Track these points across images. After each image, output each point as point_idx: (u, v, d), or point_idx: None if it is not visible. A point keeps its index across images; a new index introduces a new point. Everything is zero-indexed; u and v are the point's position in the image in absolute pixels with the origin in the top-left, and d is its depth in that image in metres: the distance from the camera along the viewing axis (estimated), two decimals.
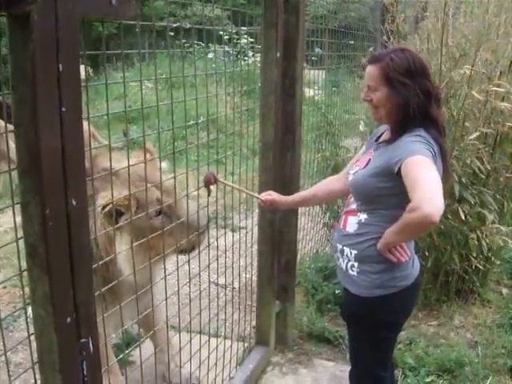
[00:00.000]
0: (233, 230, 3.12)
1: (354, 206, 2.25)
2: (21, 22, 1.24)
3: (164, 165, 2.64)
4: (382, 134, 2.32)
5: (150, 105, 2.46)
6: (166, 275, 2.32)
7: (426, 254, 3.71)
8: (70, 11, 1.33)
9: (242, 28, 2.86)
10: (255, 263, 3.31)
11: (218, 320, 3.19)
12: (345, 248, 2.24)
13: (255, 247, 3.26)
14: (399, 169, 2.00)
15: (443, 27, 3.57)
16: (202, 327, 2.66)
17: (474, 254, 3.74)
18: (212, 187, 2.59)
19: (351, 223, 2.23)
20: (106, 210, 2.14)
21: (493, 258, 4.05)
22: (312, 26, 5.04)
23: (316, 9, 5.54)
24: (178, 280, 2.30)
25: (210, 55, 9.17)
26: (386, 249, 2.09)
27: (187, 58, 9.67)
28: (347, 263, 2.23)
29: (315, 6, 6.58)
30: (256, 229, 3.20)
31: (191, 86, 2.29)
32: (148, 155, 2.39)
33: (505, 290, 4.35)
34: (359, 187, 2.20)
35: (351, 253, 2.21)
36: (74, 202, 1.44)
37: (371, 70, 2.17)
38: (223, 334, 3.10)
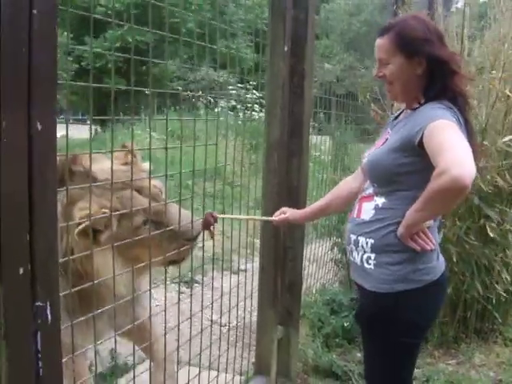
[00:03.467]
0: (232, 272, 2.85)
1: (369, 191, 1.96)
2: None
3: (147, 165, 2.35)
4: (400, 113, 2.07)
5: (155, 154, 2.18)
6: (166, 309, 2.05)
7: None
8: None
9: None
10: (255, 303, 2.97)
11: (209, 354, 2.78)
12: (359, 238, 1.94)
13: (256, 293, 2.95)
14: (421, 138, 1.74)
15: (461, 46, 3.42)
16: (199, 362, 2.34)
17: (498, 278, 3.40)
18: (214, 229, 2.29)
19: (366, 209, 1.94)
20: (80, 228, 1.80)
21: None
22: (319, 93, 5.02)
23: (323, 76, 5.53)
24: (165, 310, 2.00)
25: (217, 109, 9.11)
26: (408, 233, 1.79)
27: (195, 114, 9.62)
28: (362, 255, 1.93)
29: (323, 73, 6.54)
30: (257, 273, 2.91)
31: (197, 139, 2.12)
32: (129, 157, 2.11)
33: None
34: (375, 166, 1.93)
35: (367, 243, 1.90)
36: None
37: (381, 42, 1.94)
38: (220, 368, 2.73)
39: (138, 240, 1.91)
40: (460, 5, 5.41)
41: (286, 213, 2.41)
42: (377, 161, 1.92)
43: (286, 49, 2.74)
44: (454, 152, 1.63)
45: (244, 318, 2.89)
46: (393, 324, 1.88)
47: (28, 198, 1.18)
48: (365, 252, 1.91)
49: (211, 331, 2.55)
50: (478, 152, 2.16)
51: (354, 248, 1.96)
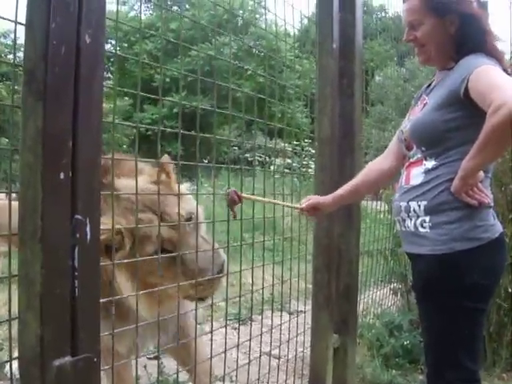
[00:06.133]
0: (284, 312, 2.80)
1: (418, 156, 1.88)
2: None
3: (185, 187, 2.29)
4: (432, 82, 2.02)
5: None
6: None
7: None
8: None
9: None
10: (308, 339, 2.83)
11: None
12: (411, 203, 1.84)
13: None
14: (466, 87, 1.68)
15: None
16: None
17: None
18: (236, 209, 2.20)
19: (415, 175, 1.86)
20: None
21: None
22: None
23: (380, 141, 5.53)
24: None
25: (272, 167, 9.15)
26: (464, 186, 1.69)
27: (250, 172, 9.74)
28: (416, 221, 1.83)
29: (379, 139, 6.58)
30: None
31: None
32: (163, 176, 2.09)
33: None
34: (421, 128, 1.86)
35: (419, 206, 1.81)
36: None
37: (409, 4, 1.91)
38: None
39: (151, 267, 1.86)
40: None
41: (312, 199, 2.26)
42: (422, 123, 1.86)
43: (334, 46, 2.74)
44: (506, 87, 1.57)
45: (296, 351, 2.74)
46: (453, 287, 1.75)
47: (73, 99, 1.19)
48: (418, 216, 1.81)
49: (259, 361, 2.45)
50: None
51: (405, 216, 1.86)
